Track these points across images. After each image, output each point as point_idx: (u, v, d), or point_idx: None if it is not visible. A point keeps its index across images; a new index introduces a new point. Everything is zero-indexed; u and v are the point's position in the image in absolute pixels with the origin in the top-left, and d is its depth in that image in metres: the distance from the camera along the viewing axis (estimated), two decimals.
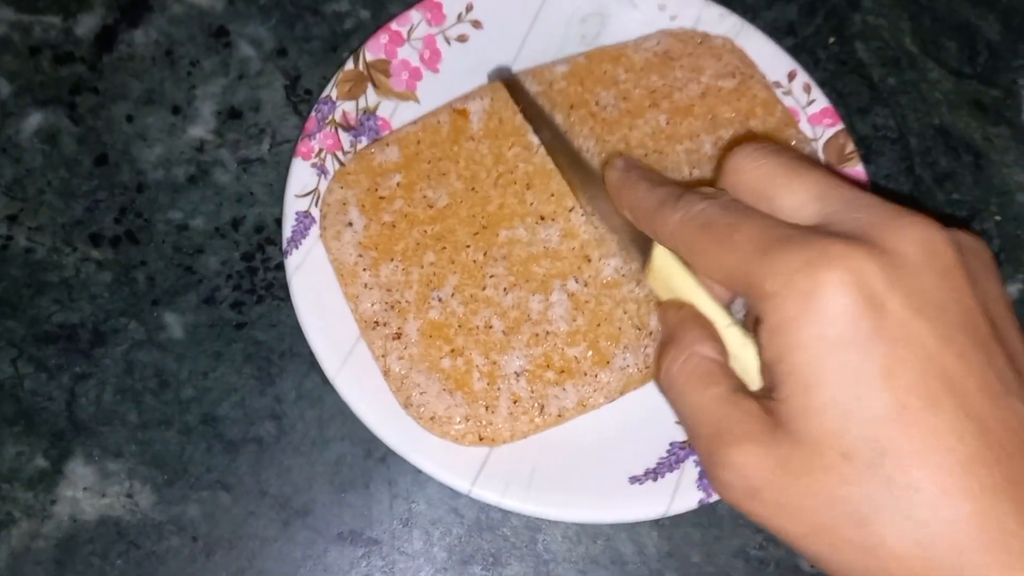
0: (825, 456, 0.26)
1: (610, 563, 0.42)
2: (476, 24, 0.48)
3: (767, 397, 0.29)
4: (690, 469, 0.40)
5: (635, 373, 0.41)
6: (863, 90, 0.51)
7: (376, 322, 0.41)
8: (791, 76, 0.47)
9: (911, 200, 0.50)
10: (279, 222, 0.46)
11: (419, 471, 0.40)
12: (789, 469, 0.27)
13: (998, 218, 0.49)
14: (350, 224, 0.42)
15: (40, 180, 0.46)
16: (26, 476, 0.41)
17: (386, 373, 0.40)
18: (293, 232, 0.42)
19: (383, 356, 0.40)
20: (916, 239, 0.28)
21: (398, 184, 0.43)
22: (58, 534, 0.41)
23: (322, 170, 0.44)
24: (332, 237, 0.42)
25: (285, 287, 0.44)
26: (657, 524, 0.42)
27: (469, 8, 0.47)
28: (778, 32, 0.51)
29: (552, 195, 0.43)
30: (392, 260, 0.42)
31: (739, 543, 0.43)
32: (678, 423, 0.41)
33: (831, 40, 0.52)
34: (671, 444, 0.41)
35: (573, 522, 0.41)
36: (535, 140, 0.44)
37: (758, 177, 0.32)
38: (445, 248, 0.42)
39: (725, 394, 0.30)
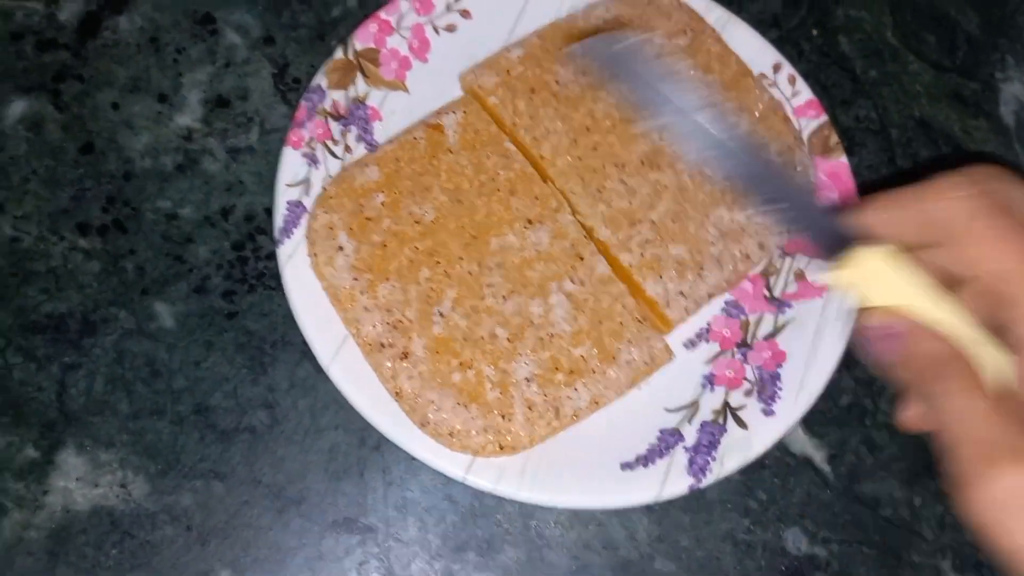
0: None
1: (602, 548, 0.43)
2: (465, 14, 0.48)
3: None
4: (680, 456, 0.41)
5: (641, 366, 0.42)
6: (846, 82, 0.52)
7: (381, 344, 0.41)
8: (776, 68, 0.48)
9: None
10: (269, 211, 0.46)
11: (413, 458, 0.41)
12: None
13: None
14: (340, 248, 0.42)
15: (25, 168, 0.45)
16: (17, 467, 0.41)
17: (398, 395, 0.40)
18: (285, 222, 0.42)
19: (393, 378, 0.40)
20: None
21: (383, 204, 0.43)
22: (51, 524, 0.40)
23: (312, 159, 0.44)
24: (324, 263, 0.42)
25: (276, 276, 0.44)
26: (648, 509, 0.43)
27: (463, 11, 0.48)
28: (763, 24, 0.51)
29: (536, 198, 0.43)
30: (388, 280, 0.42)
31: (727, 527, 0.43)
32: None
33: (814, 33, 0.53)
34: (661, 431, 0.42)
35: (566, 508, 0.42)
36: (512, 147, 0.44)
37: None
38: (439, 262, 0.42)
39: (994, 406, 0.28)
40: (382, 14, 0.47)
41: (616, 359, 0.42)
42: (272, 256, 0.45)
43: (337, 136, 0.45)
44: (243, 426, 0.42)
